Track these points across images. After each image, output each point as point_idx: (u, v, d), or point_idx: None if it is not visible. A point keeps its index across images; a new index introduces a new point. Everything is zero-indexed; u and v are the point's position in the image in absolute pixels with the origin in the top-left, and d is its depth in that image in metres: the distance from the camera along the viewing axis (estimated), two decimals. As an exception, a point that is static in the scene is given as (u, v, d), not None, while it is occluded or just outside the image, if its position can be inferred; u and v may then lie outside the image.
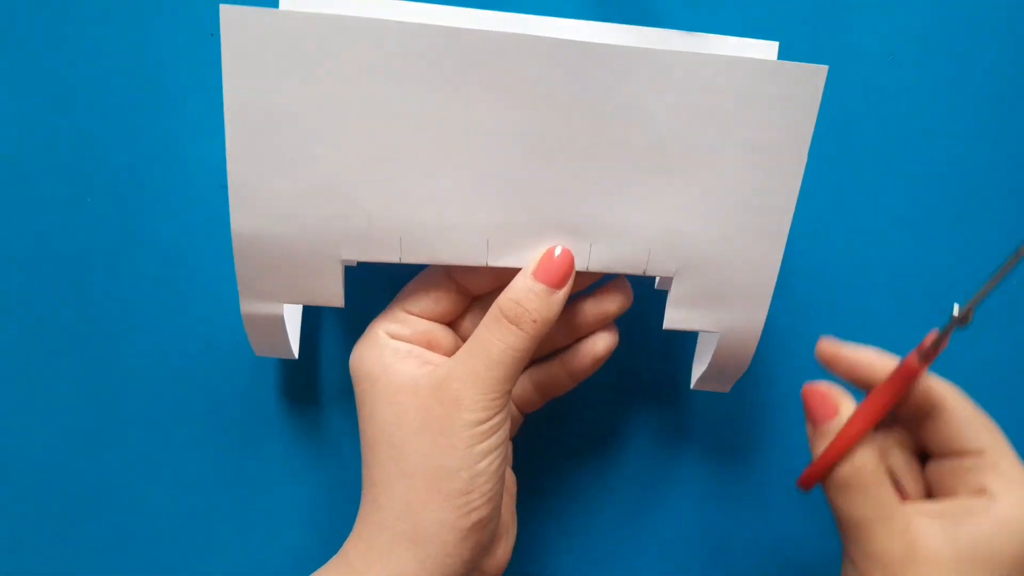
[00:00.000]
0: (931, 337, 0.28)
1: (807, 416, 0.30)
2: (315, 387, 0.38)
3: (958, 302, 0.27)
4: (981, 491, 0.28)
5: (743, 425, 0.39)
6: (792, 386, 0.38)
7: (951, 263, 0.38)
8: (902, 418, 0.31)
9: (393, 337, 0.30)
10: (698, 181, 0.29)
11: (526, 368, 0.34)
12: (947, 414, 0.29)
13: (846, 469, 0.29)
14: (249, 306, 0.30)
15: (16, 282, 0.37)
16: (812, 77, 0.28)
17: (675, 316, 0.31)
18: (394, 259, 0.29)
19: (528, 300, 0.29)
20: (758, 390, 0.39)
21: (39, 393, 0.37)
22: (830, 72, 0.37)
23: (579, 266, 0.30)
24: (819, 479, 0.30)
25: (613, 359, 0.34)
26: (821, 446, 0.29)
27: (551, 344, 0.33)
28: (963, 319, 0.27)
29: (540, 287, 0.29)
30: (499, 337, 0.28)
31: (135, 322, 0.37)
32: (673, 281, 0.30)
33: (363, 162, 0.28)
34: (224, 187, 0.28)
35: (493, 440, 0.28)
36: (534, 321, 0.28)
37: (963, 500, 0.28)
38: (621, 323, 0.34)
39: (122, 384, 0.37)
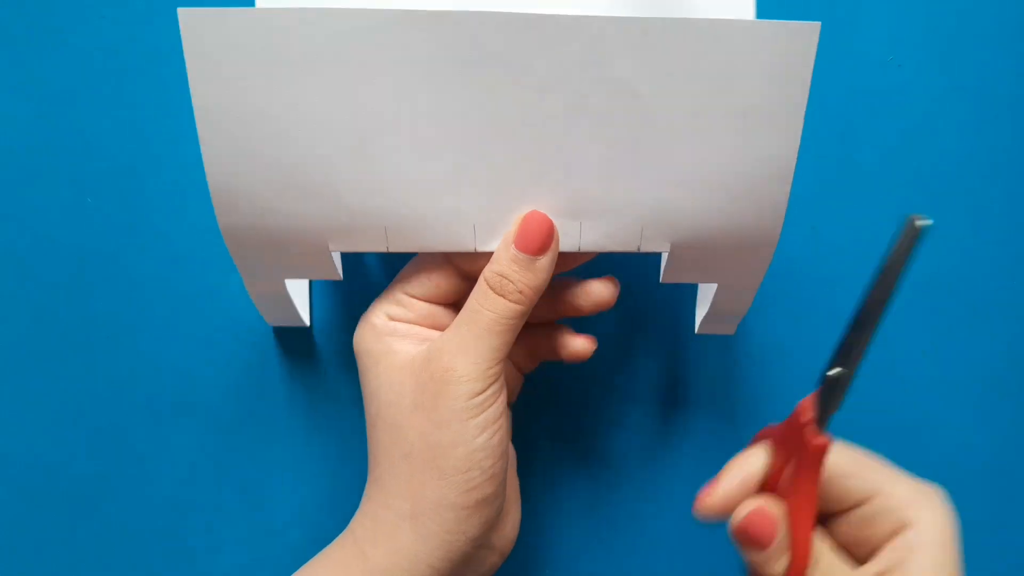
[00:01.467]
0: (807, 413, 0.27)
1: (752, 545, 0.27)
2: (316, 383, 0.38)
3: (827, 370, 0.26)
4: (895, 532, 0.27)
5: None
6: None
7: (951, 262, 0.38)
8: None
9: (393, 319, 0.30)
10: (688, 152, 0.27)
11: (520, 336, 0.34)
12: (827, 473, 0.28)
13: None
14: (252, 286, 0.30)
15: (16, 282, 0.37)
16: (803, 36, 0.26)
17: (671, 273, 0.30)
18: (381, 249, 0.29)
19: (511, 271, 0.28)
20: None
21: (39, 392, 0.37)
22: (830, 75, 0.37)
23: (570, 246, 0.29)
24: None
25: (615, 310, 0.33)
26: (771, 566, 0.27)
27: (550, 313, 0.32)
28: (836, 384, 0.26)
29: (522, 256, 0.28)
30: (488, 307, 0.28)
31: (135, 322, 0.37)
32: (668, 251, 0.30)
33: (338, 155, 0.27)
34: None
35: (489, 413, 0.28)
36: (520, 292, 0.28)
37: (887, 553, 0.27)
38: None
39: (122, 383, 0.37)
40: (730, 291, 0.31)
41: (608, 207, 0.28)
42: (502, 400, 0.29)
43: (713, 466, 0.35)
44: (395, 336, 0.30)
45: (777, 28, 0.26)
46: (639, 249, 0.29)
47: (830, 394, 0.26)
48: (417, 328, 0.30)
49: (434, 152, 0.27)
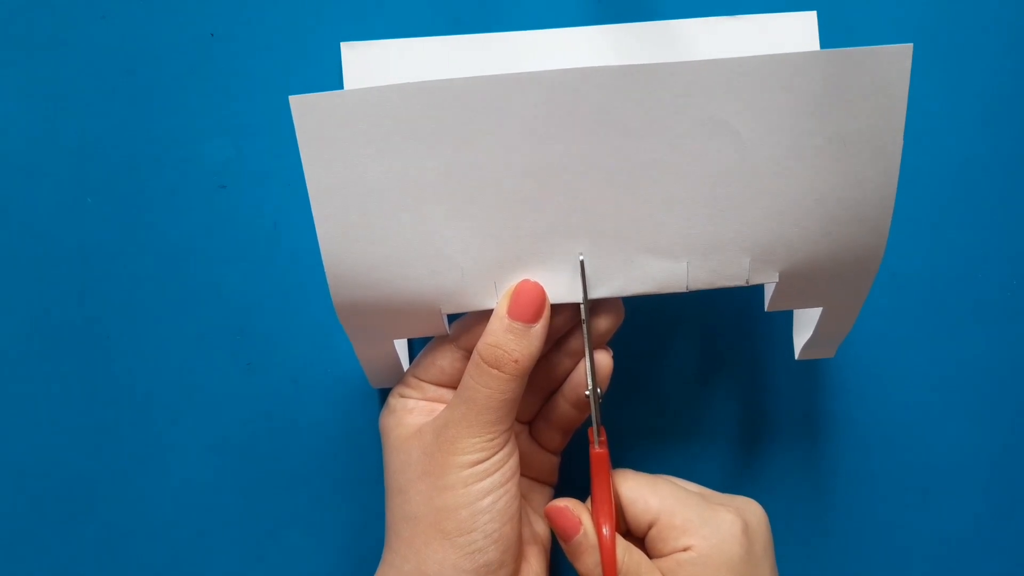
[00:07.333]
0: (591, 433, 0.31)
1: (559, 535, 0.31)
2: (314, 393, 0.38)
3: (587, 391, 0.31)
4: (682, 552, 0.30)
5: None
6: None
7: (951, 262, 0.38)
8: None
9: (404, 397, 0.32)
10: (790, 183, 0.28)
11: (539, 412, 0.34)
12: (620, 499, 0.31)
13: None
14: (362, 351, 0.32)
15: (16, 282, 0.37)
16: (897, 59, 0.27)
17: (778, 301, 0.31)
18: (492, 305, 0.30)
19: (506, 342, 0.29)
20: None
21: (38, 395, 0.37)
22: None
23: (677, 286, 0.30)
24: None
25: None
26: (583, 559, 0.30)
27: (555, 375, 0.33)
28: (591, 401, 0.30)
29: (516, 325, 0.29)
30: (483, 383, 0.29)
31: (135, 322, 0.37)
32: (776, 281, 0.30)
33: (447, 218, 0.28)
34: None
35: (495, 479, 0.29)
36: (516, 361, 0.29)
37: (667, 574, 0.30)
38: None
39: (120, 383, 0.37)
40: (835, 312, 0.32)
41: (714, 244, 0.29)
42: (510, 466, 0.30)
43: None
44: (405, 411, 0.31)
45: (872, 54, 0.26)
46: (747, 282, 0.30)
47: (596, 411, 0.30)
48: (425, 403, 0.31)
49: (539, 204, 0.28)
